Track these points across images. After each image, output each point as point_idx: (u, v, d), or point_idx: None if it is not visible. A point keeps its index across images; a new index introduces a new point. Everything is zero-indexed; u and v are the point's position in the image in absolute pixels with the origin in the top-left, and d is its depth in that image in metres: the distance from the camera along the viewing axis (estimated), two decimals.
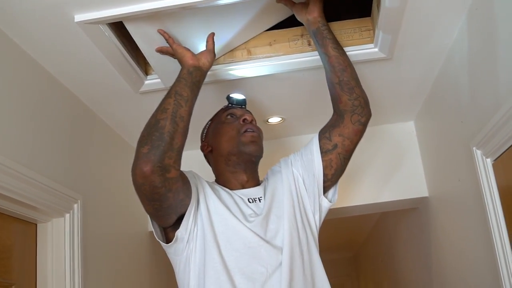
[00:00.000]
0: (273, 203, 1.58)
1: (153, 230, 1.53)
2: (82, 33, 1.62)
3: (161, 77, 1.94)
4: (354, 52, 1.87)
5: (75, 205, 1.92)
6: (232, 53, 1.94)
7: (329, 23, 1.73)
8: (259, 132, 1.68)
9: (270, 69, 1.97)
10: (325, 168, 1.63)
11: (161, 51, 1.72)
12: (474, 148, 1.81)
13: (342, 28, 1.89)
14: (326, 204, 1.65)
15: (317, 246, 1.58)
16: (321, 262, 1.55)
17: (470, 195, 1.96)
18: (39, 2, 1.47)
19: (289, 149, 1.77)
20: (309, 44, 1.91)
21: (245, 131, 1.64)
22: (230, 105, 1.78)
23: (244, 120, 1.68)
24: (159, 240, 1.53)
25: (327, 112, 1.71)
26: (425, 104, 2.47)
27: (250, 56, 1.94)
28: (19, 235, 1.73)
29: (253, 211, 1.56)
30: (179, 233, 1.47)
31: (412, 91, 2.36)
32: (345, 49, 1.76)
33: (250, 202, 1.58)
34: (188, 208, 1.48)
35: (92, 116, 2.22)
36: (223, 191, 1.60)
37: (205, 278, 1.43)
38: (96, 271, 2.06)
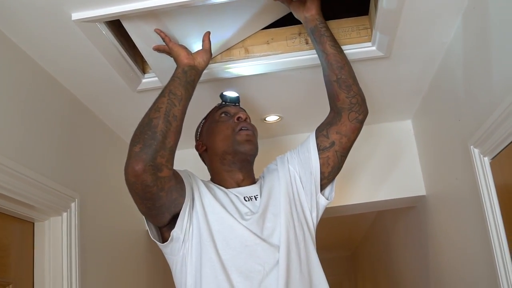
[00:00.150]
0: (269, 201, 1.58)
1: (148, 230, 1.53)
2: (79, 32, 1.62)
3: (158, 75, 1.93)
4: (351, 50, 1.87)
5: (73, 204, 1.91)
6: (229, 51, 1.94)
7: (326, 22, 1.73)
8: (253, 130, 1.68)
9: (268, 67, 1.97)
10: (322, 165, 1.63)
11: (158, 49, 1.72)
12: (471, 146, 1.81)
13: (340, 27, 1.89)
14: (323, 201, 1.65)
15: (314, 244, 1.58)
16: (318, 260, 1.55)
17: (467, 194, 1.96)
18: (37, 0, 1.47)
19: (286, 147, 1.76)
20: (307, 43, 1.91)
21: (240, 130, 1.64)
22: (223, 103, 1.77)
23: (238, 118, 1.67)
24: (154, 240, 1.53)
25: (325, 111, 1.71)
26: (423, 103, 2.47)
27: (247, 54, 1.94)
28: (17, 234, 1.73)
29: (249, 209, 1.55)
30: (175, 232, 1.47)
31: (409, 90, 2.36)
32: (343, 47, 1.76)
33: (246, 201, 1.58)
34: (183, 208, 1.47)
35: (89, 114, 2.21)
36: (218, 190, 1.59)
37: (202, 278, 1.43)
38: (93, 269, 2.06)
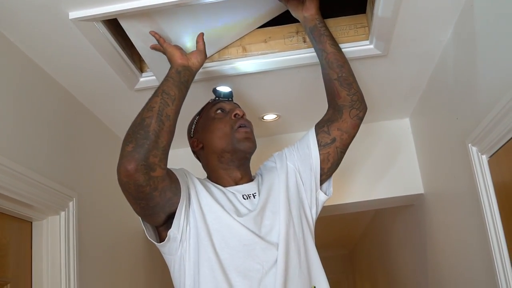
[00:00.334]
0: (268, 199, 1.57)
1: (144, 229, 1.52)
2: (76, 30, 1.61)
3: (156, 74, 1.93)
4: (349, 48, 1.87)
5: (70, 203, 1.91)
6: (227, 50, 1.94)
7: (324, 20, 1.73)
8: (251, 127, 1.67)
9: (265, 66, 1.96)
10: (322, 161, 1.63)
11: (155, 48, 1.72)
12: (469, 144, 1.81)
13: (337, 25, 1.89)
14: (322, 197, 1.66)
15: (314, 240, 1.58)
16: (318, 256, 1.55)
17: (465, 192, 1.96)
18: None
19: (284, 146, 1.76)
20: (305, 41, 1.91)
21: (239, 127, 1.63)
22: (217, 98, 1.76)
23: (235, 115, 1.66)
24: (151, 240, 1.52)
25: (323, 109, 1.71)
26: (421, 101, 2.47)
27: (245, 53, 1.94)
28: (14, 233, 1.73)
29: (247, 208, 1.55)
30: (171, 232, 1.46)
31: (407, 88, 2.36)
32: (340, 45, 1.76)
33: (244, 199, 1.57)
34: (178, 207, 1.46)
35: (87, 113, 2.21)
36: (215, 188, 1.58)
37: (200, 277, 1.43)
38: (91, 268, 2.06)
